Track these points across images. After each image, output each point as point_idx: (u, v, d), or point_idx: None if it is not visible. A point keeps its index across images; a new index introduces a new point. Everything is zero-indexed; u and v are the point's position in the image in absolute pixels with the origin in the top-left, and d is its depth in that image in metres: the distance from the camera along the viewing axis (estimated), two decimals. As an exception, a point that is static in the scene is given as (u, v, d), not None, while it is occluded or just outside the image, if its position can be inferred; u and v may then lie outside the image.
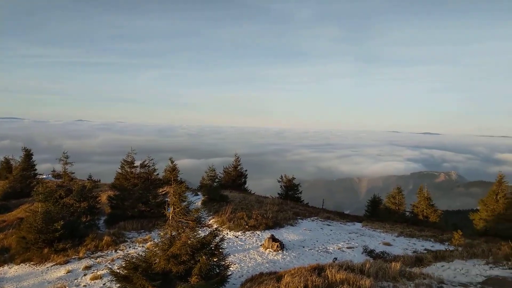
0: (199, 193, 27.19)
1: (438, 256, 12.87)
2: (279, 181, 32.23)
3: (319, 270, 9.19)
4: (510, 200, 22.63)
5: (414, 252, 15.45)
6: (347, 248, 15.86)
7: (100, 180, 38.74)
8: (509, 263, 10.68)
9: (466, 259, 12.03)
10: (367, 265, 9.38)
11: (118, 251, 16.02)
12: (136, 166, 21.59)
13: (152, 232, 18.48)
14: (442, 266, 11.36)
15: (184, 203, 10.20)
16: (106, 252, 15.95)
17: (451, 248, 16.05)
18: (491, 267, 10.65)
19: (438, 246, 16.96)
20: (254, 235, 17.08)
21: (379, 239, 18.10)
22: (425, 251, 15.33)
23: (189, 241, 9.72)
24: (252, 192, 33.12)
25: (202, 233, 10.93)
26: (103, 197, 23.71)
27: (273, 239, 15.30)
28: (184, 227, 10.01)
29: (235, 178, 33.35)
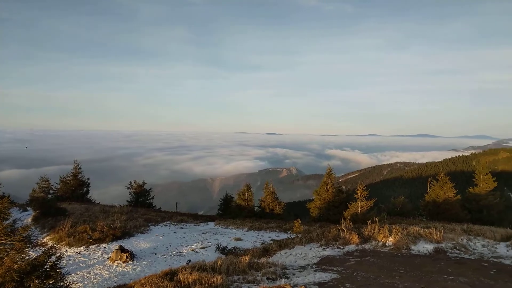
0: (29, 208, 23.27)
1: (282, 245, 14.10)
2: (128, 188, 30.36)
3: (171, 275, 8.90)
4: (337, 189, 26.68)
5: (262, 243, 16.55)
6: (201, 248, 15.94)
7: None
8: (337, 243, 12.46)
9: (304, 244, 13.51)
10: (219, 262, 9.56)
11: None
12: None
13: (-36, 262, 14.93)
14: (285, 253, 12.49)
15: (7, 222, 8.48)
16: None
17: (293, 236, 17.83)
18: (323, 248, 12.23)
19: (283, 235, 18.64)
20: (100, 248, 15.55)
21: (231, 235, 18.82)
22: (272, 241, 16.61)
23: (15, 265, 8.11)
24: (97, 202, 30.22)
25: (34, 254, 9.30)
26: None
27: (122, 250, 14.18)
28: (8, 250, 8.31)
29: (75, 188, 29.76)
